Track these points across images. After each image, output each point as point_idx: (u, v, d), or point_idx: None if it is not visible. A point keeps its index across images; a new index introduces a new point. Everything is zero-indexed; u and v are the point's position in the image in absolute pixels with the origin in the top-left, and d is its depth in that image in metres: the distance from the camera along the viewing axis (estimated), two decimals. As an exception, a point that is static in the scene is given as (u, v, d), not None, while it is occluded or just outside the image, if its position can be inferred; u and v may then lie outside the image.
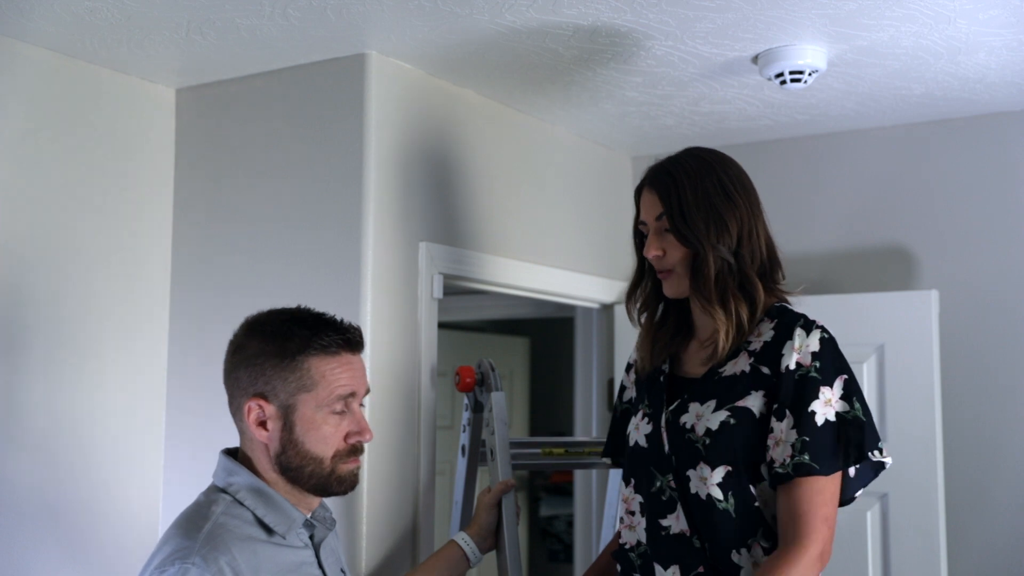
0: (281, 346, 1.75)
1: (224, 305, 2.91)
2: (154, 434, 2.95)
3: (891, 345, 3.16)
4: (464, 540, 2.22)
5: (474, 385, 2.60)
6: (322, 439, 1.75)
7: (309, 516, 1.83)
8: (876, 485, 3.09)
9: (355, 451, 1.79)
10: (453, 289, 3.04)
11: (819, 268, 3.47)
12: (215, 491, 1.78)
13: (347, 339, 1.79)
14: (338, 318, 1.83)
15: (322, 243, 2.75)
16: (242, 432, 1.81)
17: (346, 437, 1.78)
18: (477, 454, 2.65)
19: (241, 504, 1.74)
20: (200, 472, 2.91)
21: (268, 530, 1.73)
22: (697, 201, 1.97)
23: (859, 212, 3.46)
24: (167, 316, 2.99)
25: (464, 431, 2.67)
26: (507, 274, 3.14)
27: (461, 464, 2.68)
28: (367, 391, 1.84)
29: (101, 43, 2.66)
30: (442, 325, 3.18)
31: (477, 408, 2.63)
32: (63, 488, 2.72)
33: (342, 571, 1.90)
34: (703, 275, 1.97)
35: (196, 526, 1.68)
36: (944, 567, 3.05)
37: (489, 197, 3.12)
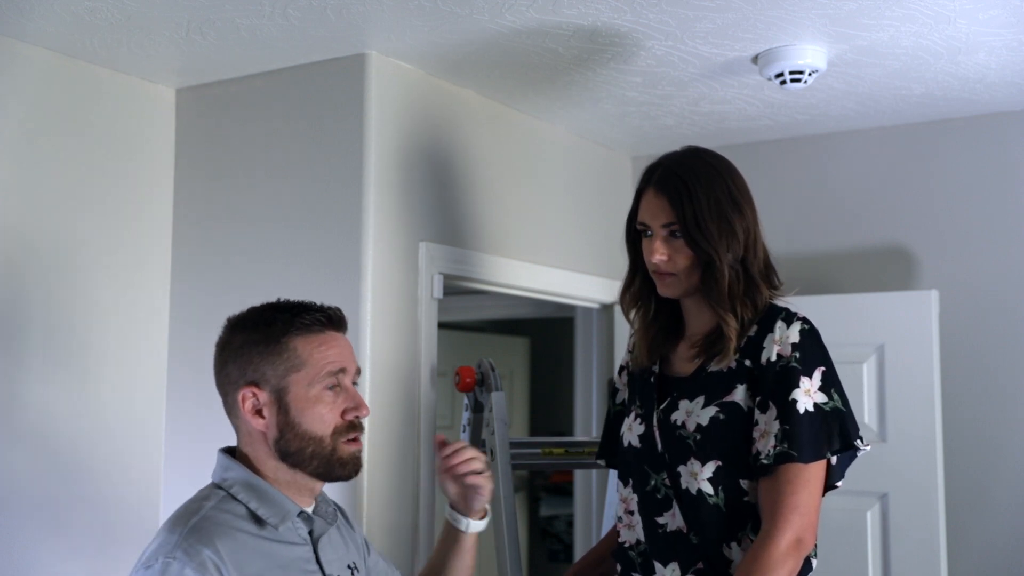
0: (265, 333, 1.76)
1: (224, 304, 2.88)
2: (154, 432, 2.95)
3: (891, 345, 3.16)
4: (447, 511, 2.14)
5: (474, 385, 2.61)
6: (318, 418, 1.74)
7: (311, 510, 1.82)
8: (876, 485, 3.13)
9: (353, 427, 1.78)
10: (453, 289, 3.04)
11: (819, 268, 3.47)
12: (212, 487, 1.78)
13: (328, 316, 1.80)
14: (318, 302, 1.84)
15: (322, 243, 2.75)
16: (238, 429, 1.80)
17: (343, 414, 1.77)
18: (477, 454, 2.65)
19: (235, 499, 1.73)
20: (200, 467, 2.91)
21: (260, 523, 1.72)
22: (710, 210, 1.97)
23: (859, 212, 3.46)
24: (167, 315, 3.00)
25: (464, 431, 2.68)
26: (507, 274, 3.14)
27: (461, 464, 2.68)
28: (358, 370, 1.83)
29: (101, 43, 2.67)
30: (442, 325, 3.19)
31: (477, 408, 2.64)
32: (64, 484, 2.72)
33: (350, 567, 1.87)
34: (716, 284, 1.97)
35: (184, 521, 1.68)
36: (944, 567, 3.05)
37: (489, 197, 3.12)
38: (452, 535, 2.04)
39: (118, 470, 2.86)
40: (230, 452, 1.83)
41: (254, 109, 2.93)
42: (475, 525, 2.03)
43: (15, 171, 2.66)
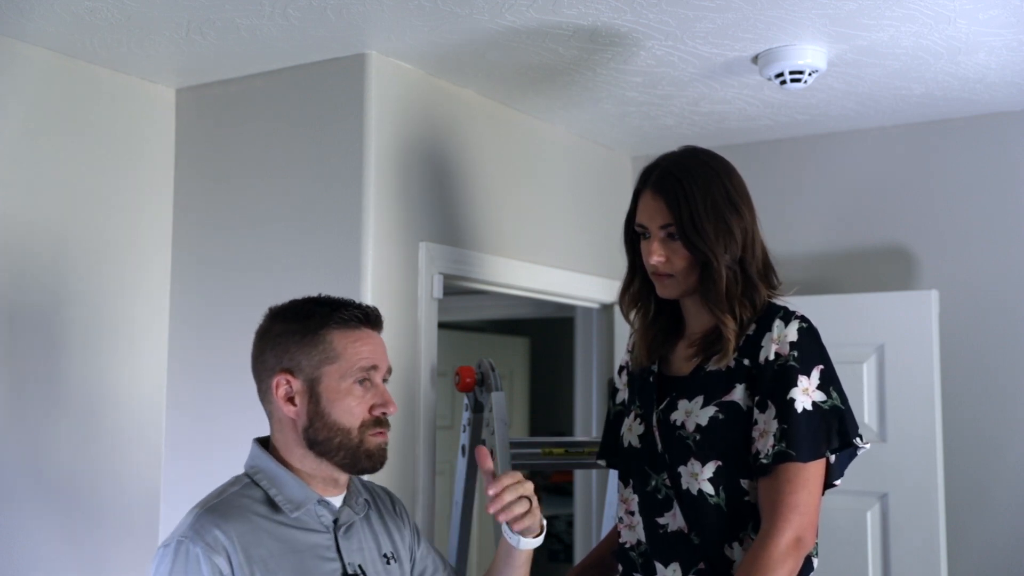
0: (303, 323, 1.82)
1: (223, 305, 2.91)
2: (154, 431, 2.96)
3: (891, 345, 3.16)
4: (502, 524, 2.00)
5: (474, 385, 2.61)
6: (347, 410, 1.79)
7: (338, 500, 1.85)
8: (876, 485, 3.13)
9: (380, 422, 1.82)
10: (453, 289, 3.04)
11: (819, 268, 3.47)
12: (241, 475, 1.85)
13: (366, 314, 1.86)
14: (357, 300, 1.90)
15: (322, 243, 2.75)
16: (271, 415, 1.85)
17: (371, 409, 1.81)
18: (477, 454, 2.65)
19: (257, 485, 1.80)
20: (199, 465, 2.92)
21: (277, 508, 1.78)
22: (707, 212, 1.97)
23: (859, 212, 3.46)
24: (167, 315, 3.00)
25: (464, 431, 2.68)
26: (507, 274, 3.14)
27: (461, 464, 2.68)
28: (389, 369, 1.88)
29: (101, 43, 2.67)
30: (442, 325, 3.19)
31: (477, 408, 2.64)
32: (64, 482, 2.72)
33: (385, 555, 1.89)
34: (714, 284, 1.97)
35: (204, 504, 1.76)
36: (944, 567, 3.05)
37: (489, 197, 3.12)
38: (506, 549, 1.99)
39: (118, 468, 2.86)
40: (264, 442, 1.88)
41: (254, 109, 2.93)
42: (527, 542, 1.95)
43: (15, 171, 2.66)
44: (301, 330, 1.81)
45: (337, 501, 1.85)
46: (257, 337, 1.87)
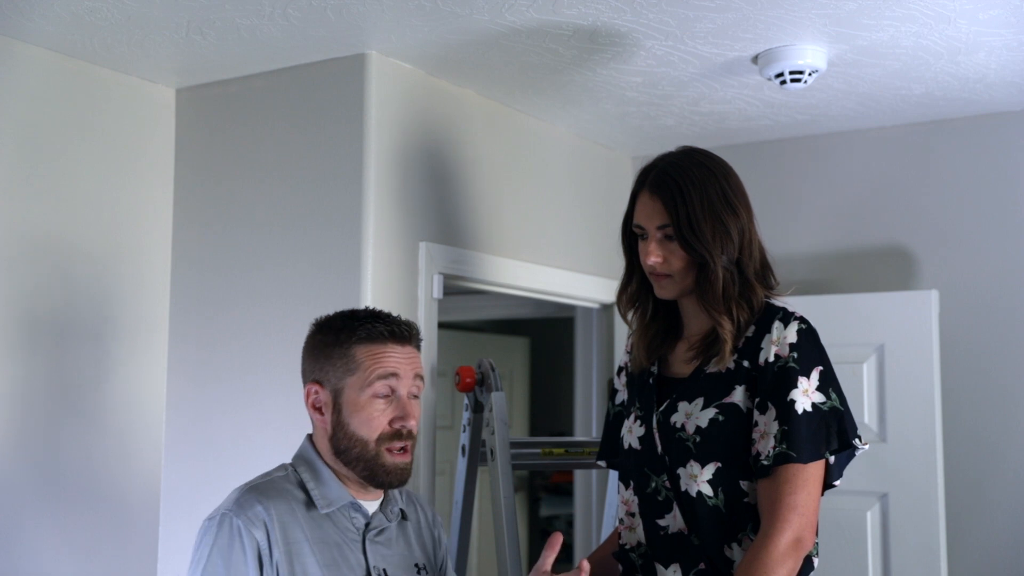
0: (335, 336, 1.89)
1: (223, 304, 2.91)
2: (155, 432, 2.96)
3: (891, 345, 3.16)
4: None
5: (474, 385, 2.60)
6: (366, 421, 1.84)
7: (372, 506, 1.90)
8: (876, 485, 3.13)
9: (399, 436, 1.86)
10: (453, 289, 3.04)
11: (819, 268, 3.47)
12: (287, 463, 1.93)
13: (391, 330, 1.89)
14: (394, 314, 1.94)
15: (322, 243, 2.75)
16: (312, 421, 1.93)
17: (391, 422, 1.86)
18: (477, 454, 2.65)
19: (299, 475, 1.89)
20: (199, 464, 2.92)
21: (312, 501, 1.85)
22: (704, 213, 1.97)
23: (859, 212, 3.46)
24: (167, 315, 3.00)
25: (464, 431, 2.67)
26: (507, 274, 3.14)
27: (461, 464, 2.68)
28: (416, 379, 1.90)
29: (101, 43, 2.67)
30: (442, 325, 3.19)
31: (477, 408, 2.63)
32: (65, 482, 2.73)
33: (416, 566, 1.92)
34: (710, 285, 1.97)
35: (248, 484, 1.86)
36: (944, 567, 3.05)
37: (489, 197, 3.12)
38: None
39: (119, 467, 2.86)
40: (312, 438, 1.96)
41: (254, 109, 2.93)
42: None
43: (15, 171, 2.66)
44: (331, 342, 1.88)
45: (371, 506, 1.90)
46: (303, 347, 1.95)
